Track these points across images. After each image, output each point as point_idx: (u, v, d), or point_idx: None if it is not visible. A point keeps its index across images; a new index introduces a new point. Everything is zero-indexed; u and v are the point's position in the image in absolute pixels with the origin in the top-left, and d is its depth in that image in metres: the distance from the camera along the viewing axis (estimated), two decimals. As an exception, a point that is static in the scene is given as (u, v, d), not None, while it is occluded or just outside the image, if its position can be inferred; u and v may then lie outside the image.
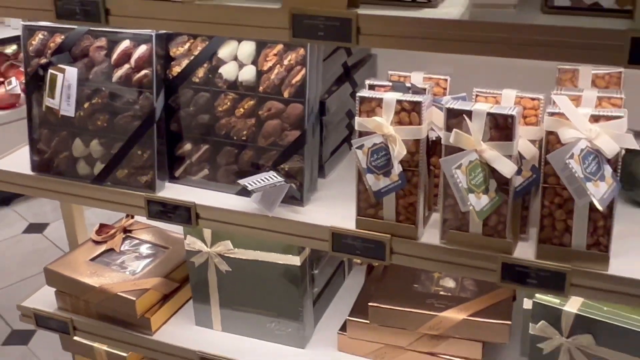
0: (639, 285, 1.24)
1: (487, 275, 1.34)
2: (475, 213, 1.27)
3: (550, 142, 1.24)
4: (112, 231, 2.00)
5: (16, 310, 1.93)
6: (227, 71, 1.55)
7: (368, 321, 1.67)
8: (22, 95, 3.65)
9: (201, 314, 1.82)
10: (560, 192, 1.26)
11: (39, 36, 1.66)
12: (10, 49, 4.43)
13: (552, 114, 1.24)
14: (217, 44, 1.56)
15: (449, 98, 1.37)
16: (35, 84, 1.67)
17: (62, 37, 1.64)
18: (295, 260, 1.66)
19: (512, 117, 1.24)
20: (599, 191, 1.18)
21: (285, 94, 1.51)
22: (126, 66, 1.58)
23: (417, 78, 1.51)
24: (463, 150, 1.27)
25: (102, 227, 2.02)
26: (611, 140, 1.20)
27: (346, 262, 2.00)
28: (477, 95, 1.39)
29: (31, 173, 1.71)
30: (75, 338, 1.93)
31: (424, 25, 1.19)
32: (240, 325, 1.79)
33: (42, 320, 1.91)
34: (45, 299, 1.93)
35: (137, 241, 2.01)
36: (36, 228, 3.95)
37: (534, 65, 1.32)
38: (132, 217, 2.07)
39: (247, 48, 1.54)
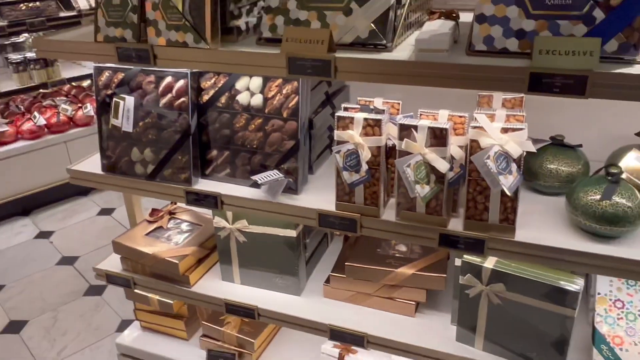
0: (536, 248, 1.26)
1: (428, 242, 1.37)
2: (420, 198, 1.29)
3: (473, 147, 1.26)
4: (161, 214, 2.02)
5: (92, 271, 1.95)
6: (242, 98, 1.56)
7: (345, 276, 1.68)
8: (94, 116, 3.65)
9: (225, 272, 1.84)
10: (480, 183, 1.27)
11: (106, 74, 1.67)
12: (86, 83, 4.44)
13: (474, 127, 1.25)
14: (234, 79, 1.57)
15: (401, 116, 1.38)
16: (104, 108, 1.68)
17: (122, 74, 1.64)
18: (292, 233, 1.67)
19: (445, 129, 1.26)
20: (508, 181, 1.20)
21: (284, 114, 1.51)
22: (169, 95, 1.59)
23: (378, 102, 1.52)
24: (411, 153, 1.29)
25: (154, 211, 2.03)
26: (516, 145, 1.22)
27: (329, 234, 2.00)
28: (421, 114, 1.39)
29: (101, 173, 1.73)
30: (135, 290, 1.95)
31: (383, 65, 1.20)
32: (253, 279, 1.81)
33: (111, 278, 1.92)
34: (113, 263, 1.95)
35: (179, 221, 2.01)
36: (106, 212, 3.95)
37: (461, 92, 1.34)
38: (175, 203, 2.08)
39: (256, 81, 1.55)
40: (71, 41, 1.54)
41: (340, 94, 1.81)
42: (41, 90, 4.05)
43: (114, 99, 1.64)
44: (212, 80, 1.60)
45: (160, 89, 1.60)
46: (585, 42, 1.05)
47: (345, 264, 1.68)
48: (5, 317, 2.92)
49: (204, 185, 1.62)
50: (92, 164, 1.76)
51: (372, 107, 1.46)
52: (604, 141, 1.55)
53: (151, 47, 1.40)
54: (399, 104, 1.54)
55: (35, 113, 3.95)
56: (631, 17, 1.07)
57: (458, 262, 1.46)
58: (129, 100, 1.62)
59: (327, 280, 1.75)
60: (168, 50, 1.40)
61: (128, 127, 1.64)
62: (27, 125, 3.86)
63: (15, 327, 2.84)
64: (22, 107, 4.07)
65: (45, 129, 3.93)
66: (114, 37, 1.46)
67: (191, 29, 1.36)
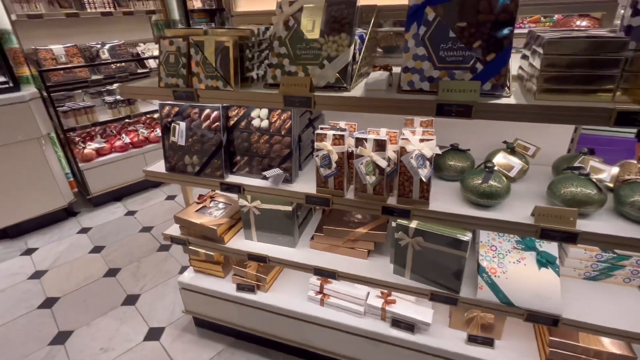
0: (442, 214, 1.25)
1: (375, 212, 1.34)
2: (369, 184, 1.29)
3: (402, 151, 1.24)
4: (205, 198, 1.97)
5: (161, 236, 1.91)
6: (255, 122, 1.52)
7: (323, 234, 1.67)
8: (161, 136, 3.64)
9: (247, 234, 1.80)
10: (407, 173, 1.26)
11: (166, 108, 1.62)
12: (156, 115, 4.34)
13: (402, 139, 1.24)
14: (250, 110, 1.53)
15: (357, 133, 1.36)
16: (167, 130, 1.63)
17: (177, 108, 1.60)
18: (289, 208, 1.65)
19: (384, 140, 1.25)
20: (424, 173, 1.20)
21: (282, 133, 1.48)
22: (208, 121, 1.55)
23: (342, 124, 1.50)
24: (363, 156, 1.28)
25: (200, 196, 1.99)
26: (429, 150, 1.21)
27: (313, 209, 1.96)
28: (369, 131, 1.37)
29: (165, 172, 1.67)
30: (190, 247, 1.90)
31: (344, 100, 1.17)
32: (265, 238, 1.77)
33: (174, 239, 1.87)
34: (174, 230, 1.90)
35: (217, 202, 1.97)
36: (171, 198, 3.84)
37: (394, 116, 1.33)
38: (214, 191, 2.02)
39: (264, 111, 1.51)
40: (143, 87, 1.49)
41: (319, 119, 1.78)
42: (126, 120, 3.94)
43: (172, 124, 1.60)
44: (236, 111, 1.56)
45: (202, 117, 1.56)
46: (471, 84, 1.04)
47: (323, 227, 1.66)
48: (105, 266, 2.83)
49: (232, 179, 1.58)
50: (160, 166, 1.72)
51: (338, 127, 1.43)
52: (483, 146, 1.56)
53: (195, 90, 1.36)
54: (355, 124, 1.52)
55: (123, 135, 3.84)
56: (499, 69, 1.06)
57: (394, 224, 1.45)
58: (182, 125, 1.57)
59: (312, 238, 1.73)
60: (206, 92, 1.35)
61: (182, 142, 1.59)
62: (118, 143, 3.74)
63: (112, 272, 2.76)
64: (114, 131, 3.95)
65: (130, 145, 3.81)
66: (171, 84, 1.41)
67: (221, 78, 1.31)
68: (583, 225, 1.13)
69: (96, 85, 3.62)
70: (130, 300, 2.47)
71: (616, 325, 1.25)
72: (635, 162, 1.26)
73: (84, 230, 3.33)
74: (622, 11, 1.03)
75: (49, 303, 2.48)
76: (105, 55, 3.64)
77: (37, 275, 2.77)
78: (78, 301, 2.48)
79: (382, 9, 1.47)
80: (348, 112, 1.33)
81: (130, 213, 3.60)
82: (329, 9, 1.24)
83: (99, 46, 3.66)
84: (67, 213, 3.53)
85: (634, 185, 1.14)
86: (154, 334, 2.19)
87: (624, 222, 1.14)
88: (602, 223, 1.14)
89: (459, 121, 1.55)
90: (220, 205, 1.93)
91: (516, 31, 1.08)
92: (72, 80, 3.43)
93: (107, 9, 3.54)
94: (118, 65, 3.67)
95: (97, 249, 3.04)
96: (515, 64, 1.30)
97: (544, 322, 1.30)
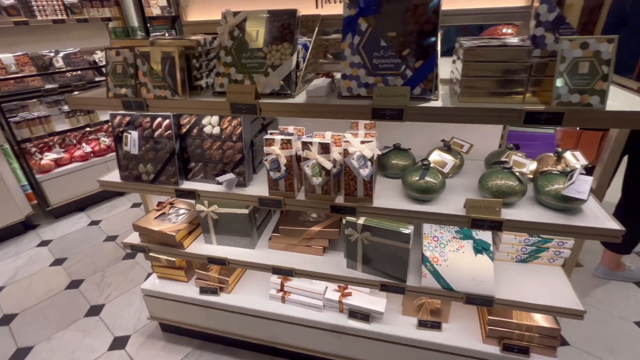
0: (386, 210, 1.28)
1: (324, 211, 1.36)
2: (316, 185, 1.30)
3: (346, 153, 1.27)
4: (165, 204, 1.93)
5: (123, 244, 1.85)
6: (207, 129, 1.51)
7: (280, 235, 1.68)
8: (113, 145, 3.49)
9: (207, 238, 1.78)
10: (351, 173, 1.28)
11: (118, 118, 1.58)
12: (107, 124, 4.19)
13: (345, 141, 1.27)
14: (201, 117, 1.52)
15: (304, 136, 1.39)
16: (119, 140, 1.58)
17: (128, 117, 1.56)
18: (246, 211, 1.64)
19: (329, 143, 1.27)
20: (365, 172, 1.23)
21: (234, 138, 1.48)
22: (160, 129, 1.52)
23: (290, 129, 1.51)
24: (309, 158, 1.29)
25: (159, 203, 1.94)
26: (369, 150, 1.25)
27: (272, 210, 1.96)
28: (315, 135, 1.40)
29: (120, 181, 1.63)
30: (150, 254, 1.85)
31: (288, 106, 1.18)
32: (225, 241, 1.75)
33: (134, 247, 1.83)
34: (134, 237, 1.85)
35: (176, 208, 1.92)
36: (136, 205, 3.72)
37: (339, 121, 1.37)
38: (172, 198, 1.98)
39: (215, 118, 1.50)
40: (91, 97, 1.43)
41: (272, 124, 1.77)
42: (87, 129, 3.77)
43: (124, 134, 1.55)
44: (187, 119, 1.54)
45: (154, 125, 1.53)
46: (401, 89, 1.08)
47: (280, 227, 1.67)
48: (67, 278, 2.70)
49: (187, 185, 1.56)
50: (115, 175, 1.66)
51: (286, 131, 1.45)
52: (425, 145, 1.61)
53: (144, 100, 1.34)
54: (303, 129, 1.53)
55: (84, 144, 3.66)
56: (426, 74, 1.11)
57: (344, 221, 1.48)
58: (134, 134, 1.54)
59: (270, 238, 1.73)
60: (155, 101, 1.33)
61: (135, 151, 1.55)
62: (78, 152, 3.57)
63: (75, 284, 2.63)
64: (74, 140, 3.75)
65: (92, 154, 3.64)
66: (120, 94, 1.37)
67: (169, 87, 1.30)
68: (508, 213, 1.22)
69: (51, 95, 3.42)
70: (94, 310, 2.37)
71: (542, 302, 1.35)
72: (552, 154, 1.36)
73: (44, 243, 3.15)
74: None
75: (6, 320, 2.34)
76: (59, 63, 3.46)
77: (-7, 292, 2.60)
78: (38, 316, 2.36)
79: (325, 18, 1.49)
80: (295, 118, 1.35)
81: (94, 223, 3.45)
82: (271, 19, 1.25)
83: (52, 54, 3.47)
84: (24, 226, 3.33)
85: (549, 176, 1.24)
86: (119, 342, 2.12)
87: (542, 210, 1.23)
88: (523, 211, 1.23)
89: (403, 122, 1.61)
90: (180, 212, 1.89)
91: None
92: (23, 89, 3.23)
93: (59, 17, 3.36)
94: (74, 73, 3.50)
95: (58, 262, 2.89)
96: (448, 69, 1.37)
97: (481, 303, 1.38)
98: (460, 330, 1.60)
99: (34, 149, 3.50)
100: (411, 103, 1.10)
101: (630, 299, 2.24)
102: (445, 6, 1.40)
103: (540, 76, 1.04)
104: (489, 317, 1.49)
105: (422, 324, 1.61)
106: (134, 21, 4.11)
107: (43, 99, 3.69)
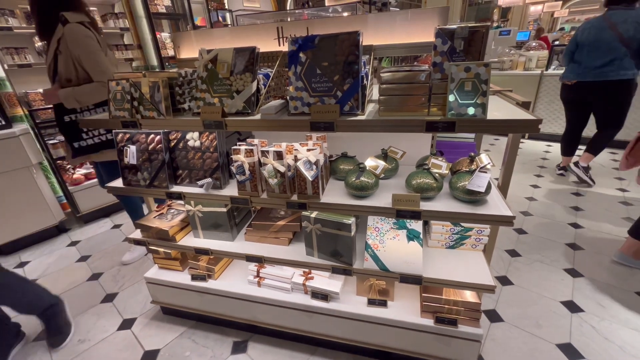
0: (332, 204, 1.33)
1: (282, 207, 1.41)
2: (273, 185, 1.36)
3: (296, 159, 1.33)
4: (163, 206, 1.99)
5: (127, 239, 1.90)
6: (190, 143, 1.57)
7: (253, 229, 1.72)
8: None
9: (195, 233, 1.81)
10: (302, 175, 1.34)
11: (120, 135, 1.64)
12: None
13: (294, 150, 1.34)
14: (185, 133, 1.58)
15: (267, 147, 1.45)
16: (121, 152, 1.65)
17: (128, 134, 1.63)
18: (224, 209, 1.69)
19: (282, 151, 1.34)
20: (310, 174, 1.29)
21: (211, 150, 1.54)
22: (153, 143, 1.59)
23: (255, 141, 1.54)
24: (267, 164, 1.36)
25: (159, 205, 2.00)
26: (314, 157, 1.31)
27: (252, 209, 1.98)
28: (274, 145, 1.45)
29: (123, 186, 1.69)
30: (150, 247, 1.90)
31: (248, 122, 1.25)
32: (209, 235, 1.79)
33: (137, 242, 1.86)
34: (137, 234, 1.89)
35: (173, 209, 1.98)
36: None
37: (299, 134, 1.44)
38: (171, 200, 2.05)
39: (196, 134, 1.57)
40: (97, 119, 1.52)
41: (247, 138, 1.85)
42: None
43: (125, 148, 1.63)
44: (174, 135, 1.61)
45: (148, 140, 1.60)
46: (333, 107, 1.16)
47: (252, 222, 1.73)
48: (90, 272, 2.75)
49: (175, 188, 1.62)
50: (119, 182, 1.73)
51: (252, 143, 1.52)
52: (368, 153, 1.67)
53: (137, 120, 1.42)
54: (266, 141, 1.57)
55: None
56: (352, 95, 1.19)
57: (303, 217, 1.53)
58: (132, 148, 1.61)
59: (245, 232, 1.77)
60: (146, 121, 1.41)
61: (134, 161, 1.62)
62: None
63: (95, 277, 2.68)
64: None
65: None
66: (118, 116, 1.46)
67: (156, 109, 1.39)
68: (426, 206, 1.28)
69: (83, 121, 3.54)
70: (109, 298, 2.42)
71: (462, 279, 1.40)
72: (467, 158, 1.43)
73: (73, 244, 3.22)
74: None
75: (35, 307, 2.38)
76: (90, 95, 3.60)
77: (27, 284, 2.65)
78: (62, 303, 2.40)
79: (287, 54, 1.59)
80: (258, 132, 1.41)
81: (117, 226, 3.51)
82: (237, 55, 1.35)
83: (84, 88, 3.61)
84: (58, 230, 3.41)
85: (460, 175, 1.31)
86: (126, 324, 2.16)
87: (454, 202, 1.30)
88: (439, 203, 1.29)
89: (353, 134, 1.68)
90: (175, 212, 1.95)
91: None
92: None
93: (91, 58, 3.52)
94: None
95: (83, 258, 2.95)
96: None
97: (412, 282, 1.43)
98: (403, 307, 1.64)
99: (68, 166, 3.61)
100: (341, 117, 1.18)
101: (559, 283, 2.26)
102: (376, 42, 1.50)
103: (439, 94, 1.12)
104: (424, 295, 1.53)
105: (371, 302, 1.65)
106: (154, 60, 4.29)
107: (77, 125, 3.81)
